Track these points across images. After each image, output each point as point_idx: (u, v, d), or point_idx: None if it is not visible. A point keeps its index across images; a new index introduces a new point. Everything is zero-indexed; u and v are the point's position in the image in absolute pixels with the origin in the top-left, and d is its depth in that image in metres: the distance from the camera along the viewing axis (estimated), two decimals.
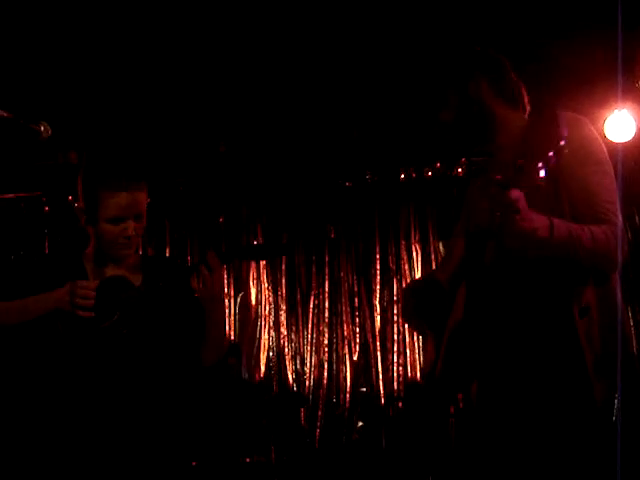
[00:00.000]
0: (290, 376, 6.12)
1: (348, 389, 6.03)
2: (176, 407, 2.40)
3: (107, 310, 2.23)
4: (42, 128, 2.03)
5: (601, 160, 2.13)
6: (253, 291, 6.28)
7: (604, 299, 2.07)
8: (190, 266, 2.49)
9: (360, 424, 5.86)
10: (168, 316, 2.38)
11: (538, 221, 1.94)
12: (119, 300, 2.26)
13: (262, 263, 6.26)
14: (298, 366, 6.14)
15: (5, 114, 1.92)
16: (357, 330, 6.09)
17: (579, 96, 4.58)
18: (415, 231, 6.09)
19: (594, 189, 2.07)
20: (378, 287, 6.10)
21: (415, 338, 5.94)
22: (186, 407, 2.46)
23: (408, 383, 5.92)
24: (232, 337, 6.20)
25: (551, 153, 1.78)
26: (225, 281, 6.24)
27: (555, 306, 2.06)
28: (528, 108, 2.30)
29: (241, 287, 6.30)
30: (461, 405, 5.25)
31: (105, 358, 2.28)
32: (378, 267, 6.11)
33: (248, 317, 6.27)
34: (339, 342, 6.11)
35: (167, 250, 6.23)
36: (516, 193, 1.86)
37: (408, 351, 5.97)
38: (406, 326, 5.99)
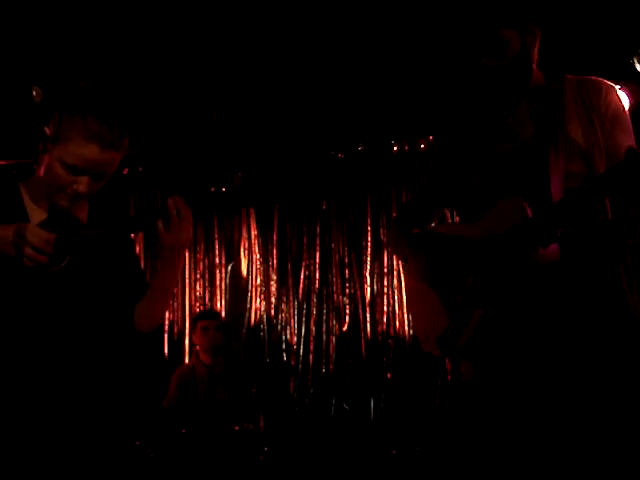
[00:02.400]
0: (280, 346, 6.15)
1: (337, 360, 6.07)
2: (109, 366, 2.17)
3: (56, 253, 1.93)
4: (34, 93, 2.02)
5: (630, 129, 2.14)
6: (244, 261, 6.29)
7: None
8: (156, 208, 2.14)
9: (348, 394, 5.91)
10: (113, 262, 2.14)
11: None
12: (69, 242, 1.98)
13: (253, 234, 6.26)
14: (288, 336, 6.18)
15: None
16: (347, 301, 6.12)
17: (572, 73, 4.58)
18: None
19: None
20: (369, 259, 6.12)
21: (405, 309, 5.97)
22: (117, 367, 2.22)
23: (397, 355, 5.96)
24: (223, 307, 6.24)
25: None
26: (216, 251, 6.27)
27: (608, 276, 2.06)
28: None
29: (232, 257, 6.32)
30: (449, 377, 5.27)
31: (45, 304, 2.04)
32: (369, 239, 6.13)
33: (239, 287, 6.29)
34: (329, 313, 6.14)
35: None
36: None
37: (397, 323, 6.00)
38: (396, 298, 6.02)
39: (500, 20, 2.10)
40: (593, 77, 2.21)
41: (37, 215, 2.10)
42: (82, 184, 2.02)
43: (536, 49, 2.18)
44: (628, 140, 2.11)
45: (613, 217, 2.06)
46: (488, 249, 2.09)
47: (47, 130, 2.02)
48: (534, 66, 2.20)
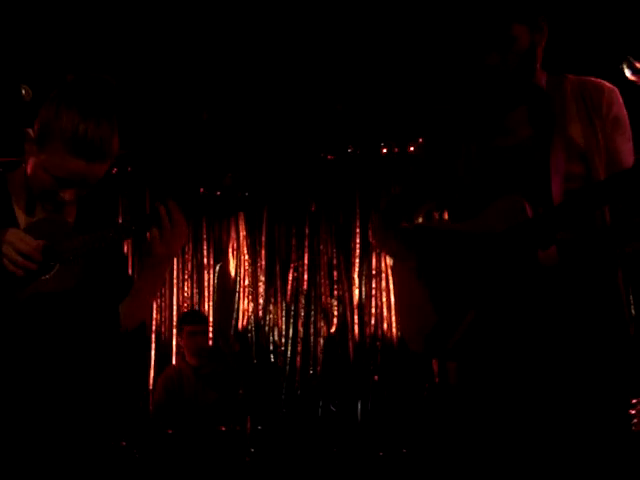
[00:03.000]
0: (267, 347, 6.14)
1: (325, 361, 6.06)
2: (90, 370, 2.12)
3: (45, 261, 1.89)
4: (23, 92, 2.00)
5: (630, 134, 2.13)
6: (232, 262, 6.28)
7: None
8: (149, 214, 2.02)
9: (335, 395, 5.91)
10: (100, 261, 2.09)
11: None
12: (58, 249, 1.92)
13: (242, 235, 6.25)
14: (276, 337, 6.17)
15: None
16: (335, 303, 6.12)
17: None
18: None
19: (625, 163, 2.07)
20: (357, 261, 6.12)
21: (393, 312, 5.98)
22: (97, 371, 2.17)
23: (384, 357, 5.97)
24: (211, 308, 6.22)
25: None
26: (204, 252, 6.25)
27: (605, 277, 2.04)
28: None
29: (220, 258, 6.31)
30: (436, 380, 5.28)
31: (31, 304, 1.95)
32: (358, 241, 6.13)
33: (227, 288, 6.27)
34: (317, 314, 6.14)
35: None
36: None
37: (385, 325, 6.00)
38: (384, 300, 6.02)
39: (512, 14, 2.04)
40: (595, 78, 2.18)
41: (24, 216, 2.05)
42: (68, 193, 1.95)
43: (542, 47, 2.14)
44: (627, 145, 2.10)
45: (612, 222, 2.04)
46: (486, 248, 2.04)
47: (31, 132, 1.95)
48: (538, 64, 2.16)
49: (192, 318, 5.50)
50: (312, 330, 6.13)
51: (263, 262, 6.24)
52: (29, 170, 1.97)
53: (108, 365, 2.23)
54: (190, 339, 5.18)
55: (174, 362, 5.81)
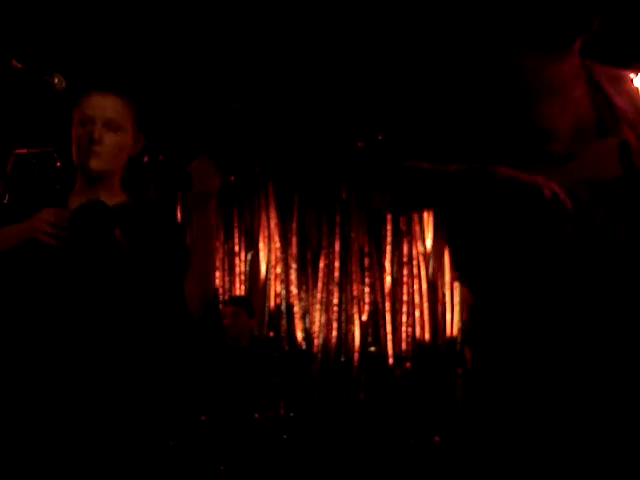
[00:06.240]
0: (299, 335, 6.16)
1: (357, 349, 6.07)
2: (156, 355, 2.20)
3: (75, 226, 2.05)
4: (56, 80, 2.02)
5: None
6: (264, 250, 6.29)
7: None
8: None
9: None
10: (150, 241, 2.20)
11: None
12: (93, 224, 2.07)
13: (273, 222, 6.24)
14: (307, 325, 6.18)
15: (19, 66, 1.91)
16: (367, 290, 6.12)
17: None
18: None
19: None
20: (389, 248, 6.11)
21: (425, 299, 5.96)
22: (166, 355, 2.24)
23: (416, 344, 5.96)
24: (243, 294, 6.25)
25: None
26: (236, 239, 6.27)
27: None
28: None
29: (252, 246, 6.32)
30: (469, 367, 5.25)
31: (80, 288, 2.10)
32: (389, 228, 6.11)
33: (258, 275, 6.29)
34: (348, 302, 6.14)
35: (179, 211, 6.22)
36: None
37: (417, 312, 5.99)
38: (415, 287, 6.01)
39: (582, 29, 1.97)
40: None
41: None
42: (95, 132, 2.16)
43: None
44: None
45: None
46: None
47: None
48: None
49: (231, 300, 5.56)
50: (344, 317, 6.14)
51: (294, 249, 6.25)
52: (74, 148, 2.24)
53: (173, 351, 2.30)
54: (229, 320, 5.18)
55: None
